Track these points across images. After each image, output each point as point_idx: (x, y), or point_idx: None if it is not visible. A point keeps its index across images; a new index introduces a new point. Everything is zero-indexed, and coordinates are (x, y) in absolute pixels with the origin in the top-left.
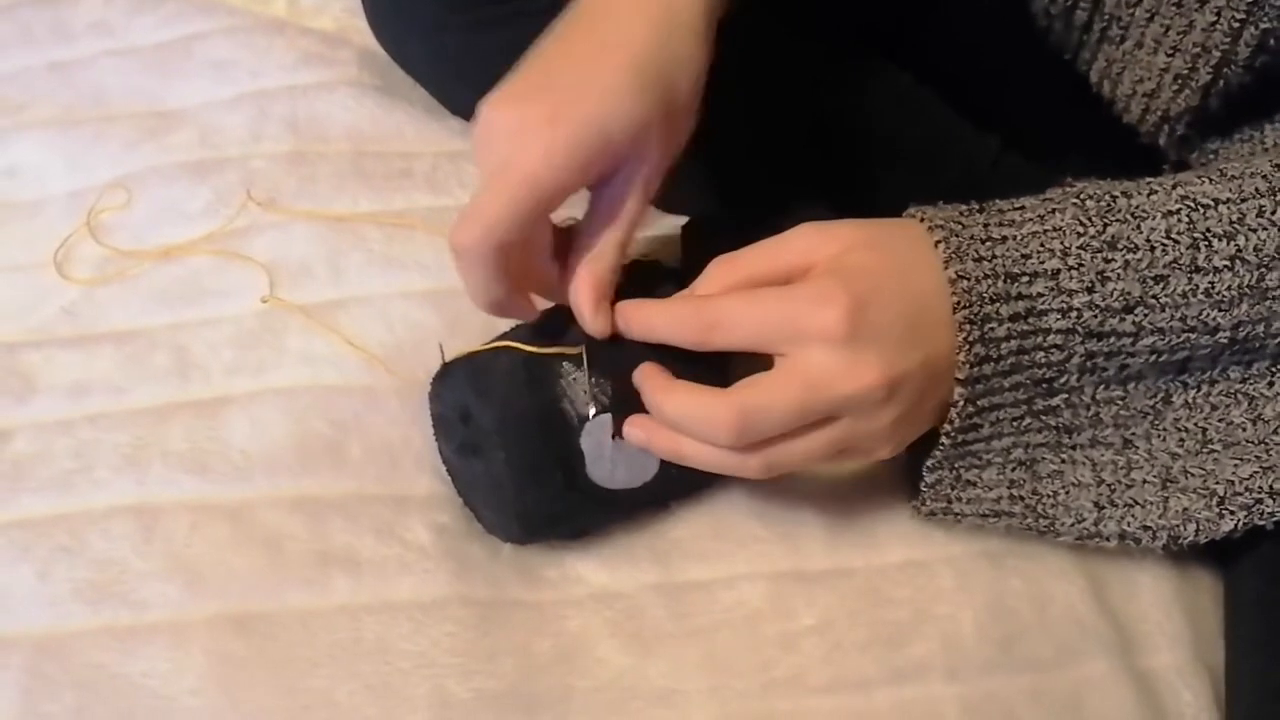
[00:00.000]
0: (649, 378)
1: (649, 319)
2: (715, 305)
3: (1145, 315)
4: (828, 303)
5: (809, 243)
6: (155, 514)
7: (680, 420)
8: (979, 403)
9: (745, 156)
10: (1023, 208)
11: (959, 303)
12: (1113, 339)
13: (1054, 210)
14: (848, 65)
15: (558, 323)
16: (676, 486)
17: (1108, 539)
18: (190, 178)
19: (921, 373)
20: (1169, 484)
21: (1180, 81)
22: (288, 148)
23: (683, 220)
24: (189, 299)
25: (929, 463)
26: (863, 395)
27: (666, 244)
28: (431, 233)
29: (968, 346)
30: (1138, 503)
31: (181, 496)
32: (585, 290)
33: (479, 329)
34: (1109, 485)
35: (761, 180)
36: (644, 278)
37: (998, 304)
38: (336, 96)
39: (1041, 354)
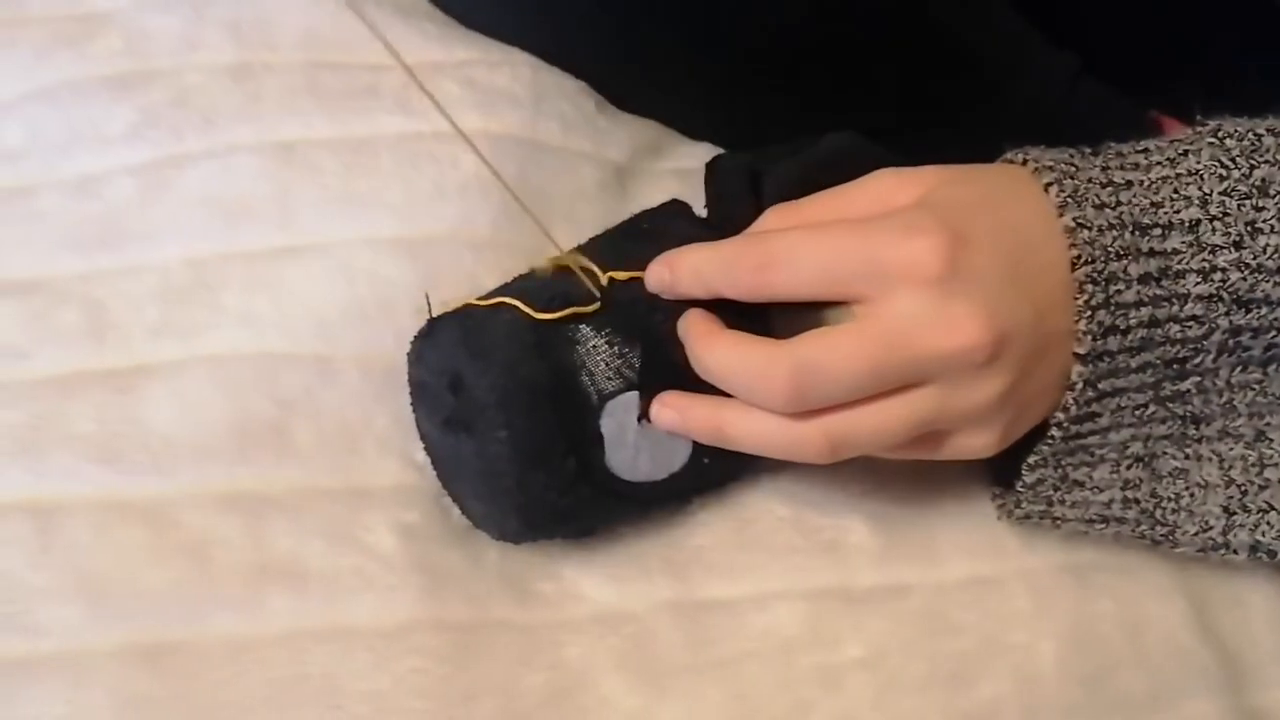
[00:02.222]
0: (693, 325)
1: (696, 263)
2: (774, 238)
3: None
4: (918, 234)
5: (887, 186)
6: (53, 514)
7: (726, 373)
8: (1100, 385)
9: (777, 69)
10: (1147, 149)
11: (1079, 257)
12: (1264, 309)
13: (1186, 151)
14: None
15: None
16: (706, 480)
17: (1236, 551)
18: (111, 93)
19: (1032, 332)
20: None
21: None
22: (229, 58)
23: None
24: (107, 242)
25: (1032, 459)
26: (960, 354)
27: (693, 182)
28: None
29: (1090, 313)
30: (1274, 508)
31: (86, 492)
32: None
33: (459, 287)
34: (1240, 486)
35: (792, 104)
36: (665, 224)
37: (1125, 261)
38: None
39: (1178, 327)
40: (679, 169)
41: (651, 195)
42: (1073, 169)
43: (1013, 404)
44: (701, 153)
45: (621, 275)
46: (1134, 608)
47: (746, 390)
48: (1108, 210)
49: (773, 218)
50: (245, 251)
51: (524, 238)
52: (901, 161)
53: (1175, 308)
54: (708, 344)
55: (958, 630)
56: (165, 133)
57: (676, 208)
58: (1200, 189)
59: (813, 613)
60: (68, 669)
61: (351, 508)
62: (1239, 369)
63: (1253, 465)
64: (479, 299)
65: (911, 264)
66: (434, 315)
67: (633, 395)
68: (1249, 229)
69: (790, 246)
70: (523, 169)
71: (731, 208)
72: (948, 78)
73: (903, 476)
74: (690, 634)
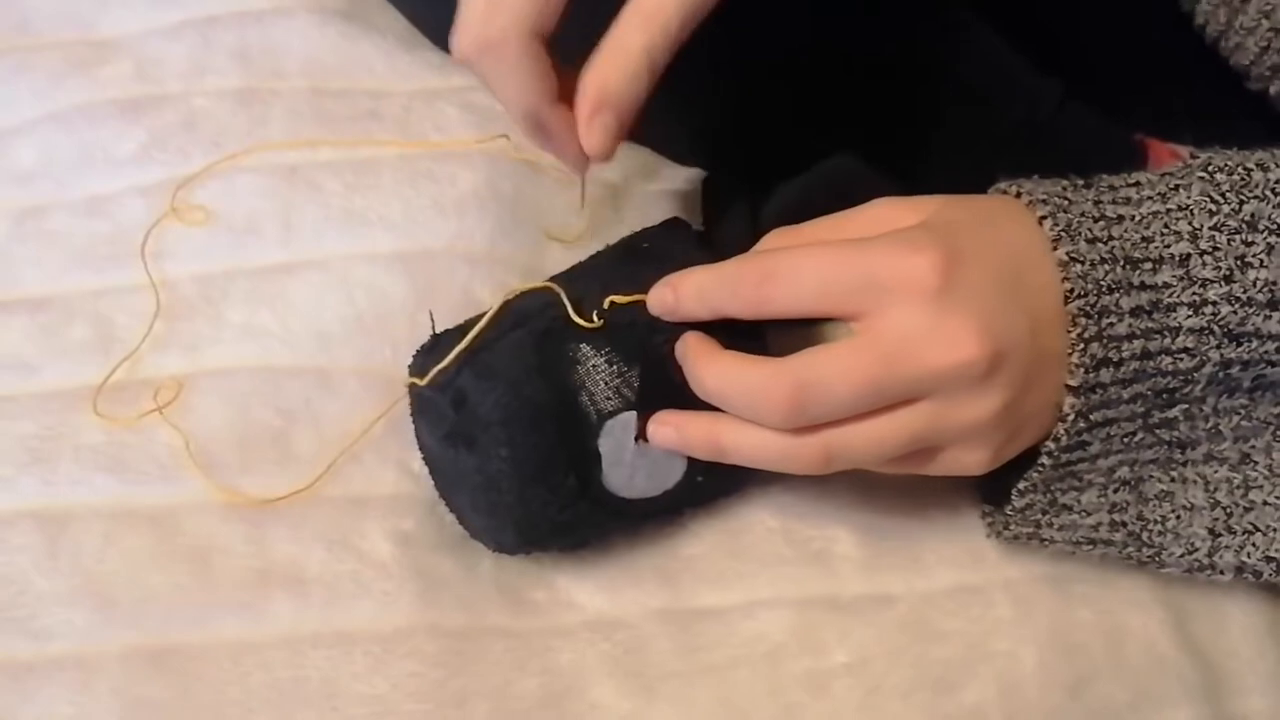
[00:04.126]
0: (692, 346)
1: (698, 284)
2: (774, 256)
3: None
4: (915, 250)
5: (886, 212)
6: (63, 521)
7: (726, 392)
8: (1092, 416)
9: (766, 98)
10: (1138, 183)
11: (1072, 290)
12: (1254, 342)
13: (1177, 186)
14: None
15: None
16: (699, 496)
17: (1222, 572)
18: (122, 116)
19: (1028, 350)
20: None
21: None
22: (235, 83)
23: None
24: (117, 259)
25: (1022, 485)
26: (956, 370)
27: (683, 206)
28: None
29: (1083, 345)
30: (1258, 529)
31: (94, 500)
32: (586, 95)
33: (455, 299)
34: (1225, 508)
35: (785, 126)
36: (664, 243)
37: (1117, 294)
38: (294, 23)
39: (1169, 359)
40: (671, 190)
41: (643, 214)
42: (1065, 202)
43: (1008, 423)
44: (692, 175)
45: (622, 299)
46: (1113, 617)
47: (746, 408)
48: (1100, 244)
49: (773, 240)
50: (249, 268)
51: (519, 252)
52: (899, 187)
53: (1167, 340)
54: (707, 364)
55: (942, 638)
56: (173, 154)
57: (675, 225)
58: (1190, 224)
59: (800, 620)
60: (75, 671)
61: (350, 515)
62: (1225, 396)
63: (1238, 488)
64: (524, 287)
65: (908, 279)
66: (437, 331)
67: (630, 415)
68: (1239, 263)
69: (790, 263)
70: (518, 187)
71: (728, 228)
72: (933, 104)
73: (889, 489)
74: (680, 641)
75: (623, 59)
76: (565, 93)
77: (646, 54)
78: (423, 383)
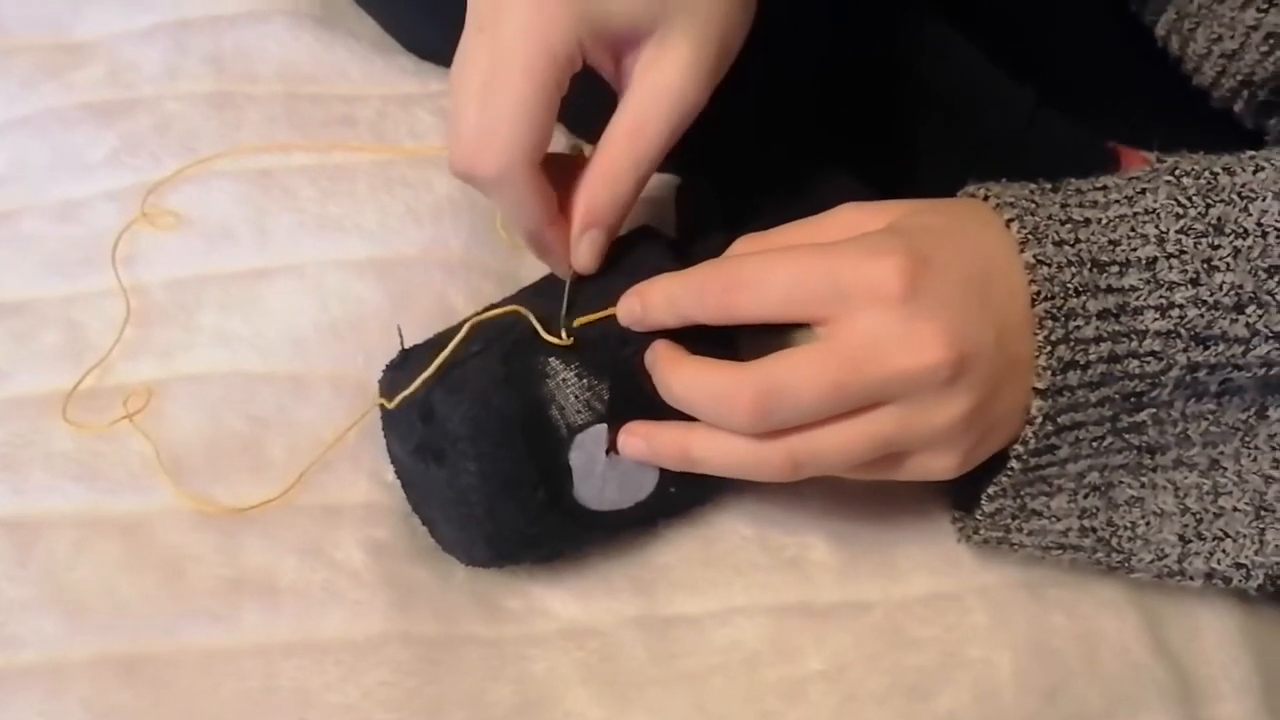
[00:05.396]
0: (660, 354)
1: (666, 291)
2: (740, 262)
3: (1260, 316)
4: (881, 254)
5: (853, 218)
6: (33, 529)
7: (692, 397)
8: (1060, 419)
9: (741, 105)
10: (1105, 186)
11: (1039, 293)
12: (1221, 346)
13: (1144, 190)
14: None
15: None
16: (671, 507)
17: (1192, 578)
18: (95, 121)
19: (995, 355)
20: (1264, 513)
21: (1272, 42)
22: (209, 87)
23: (668, 183)
24: (90, 264)
25: (991, 489)
26: (922, 374)
27: (657, 211)
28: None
29: (1049, 348)
30: (1228, 535)
31: (65, 508)
32: (577, 214)
33: (430, 306)
34: (1195, 514)
35: (760, 135)
36: (636, 253)
37: (1084, 297)
38: (268, 28)
39: (1136, 362)
40: (644, 196)
41: None
42: (1033, 205)
43: (976, 427)
44: (666, 181)
45: (592, 317)
46: (1088, 622)
47: (712, 413)
48: (1067, 247)
49: (742, 245)
50: (222, 274)
51: (494, 259)
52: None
53: (1134, 344)
54: (674, 370)
55: (917, 644)
56: (146, 159)
57: (646, 235)
58: (1157, 227)
59: (775, 627)
60: (44, 679)
61: (323, 524)
62: (1193, 400)
63: (1207, 493)
64: (493, 309)
65: (874, 284)
66: (406, 345)
67: (601, 428)
68: (1205, 266)
69: (756, 270)
70: None
71: (703, 235)
72: (908, 113)
73: (863, 495)
74: (655, 648)
75: (610, 178)
76: (570, 180)
77: (634, 170)
78: (390, 405)
